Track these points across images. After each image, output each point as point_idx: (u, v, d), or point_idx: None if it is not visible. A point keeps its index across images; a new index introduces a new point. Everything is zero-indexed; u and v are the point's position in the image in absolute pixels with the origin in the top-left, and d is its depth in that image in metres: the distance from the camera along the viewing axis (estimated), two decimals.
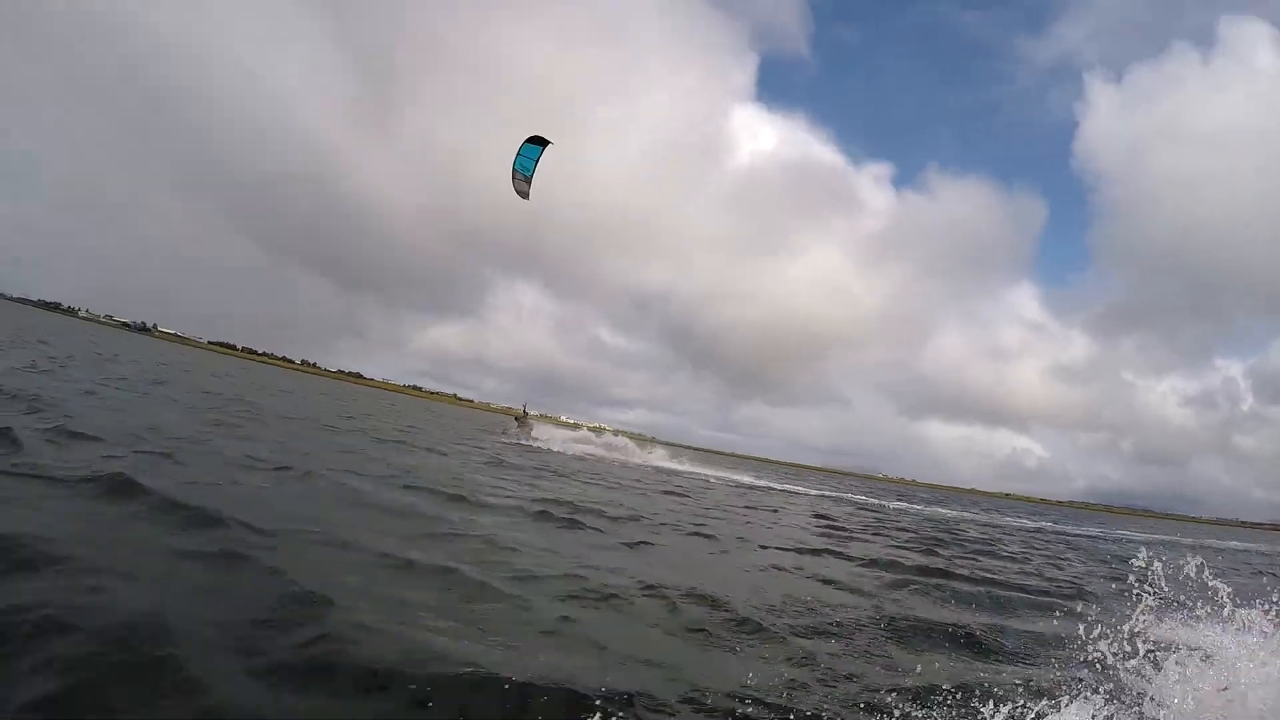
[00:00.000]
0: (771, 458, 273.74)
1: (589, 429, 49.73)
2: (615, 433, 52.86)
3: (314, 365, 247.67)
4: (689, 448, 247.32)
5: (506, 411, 72.81)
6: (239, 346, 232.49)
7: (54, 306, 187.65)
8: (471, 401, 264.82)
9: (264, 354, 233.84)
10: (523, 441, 33.95)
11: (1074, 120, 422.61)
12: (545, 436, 37.78)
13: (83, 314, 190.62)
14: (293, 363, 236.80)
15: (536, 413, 44.11)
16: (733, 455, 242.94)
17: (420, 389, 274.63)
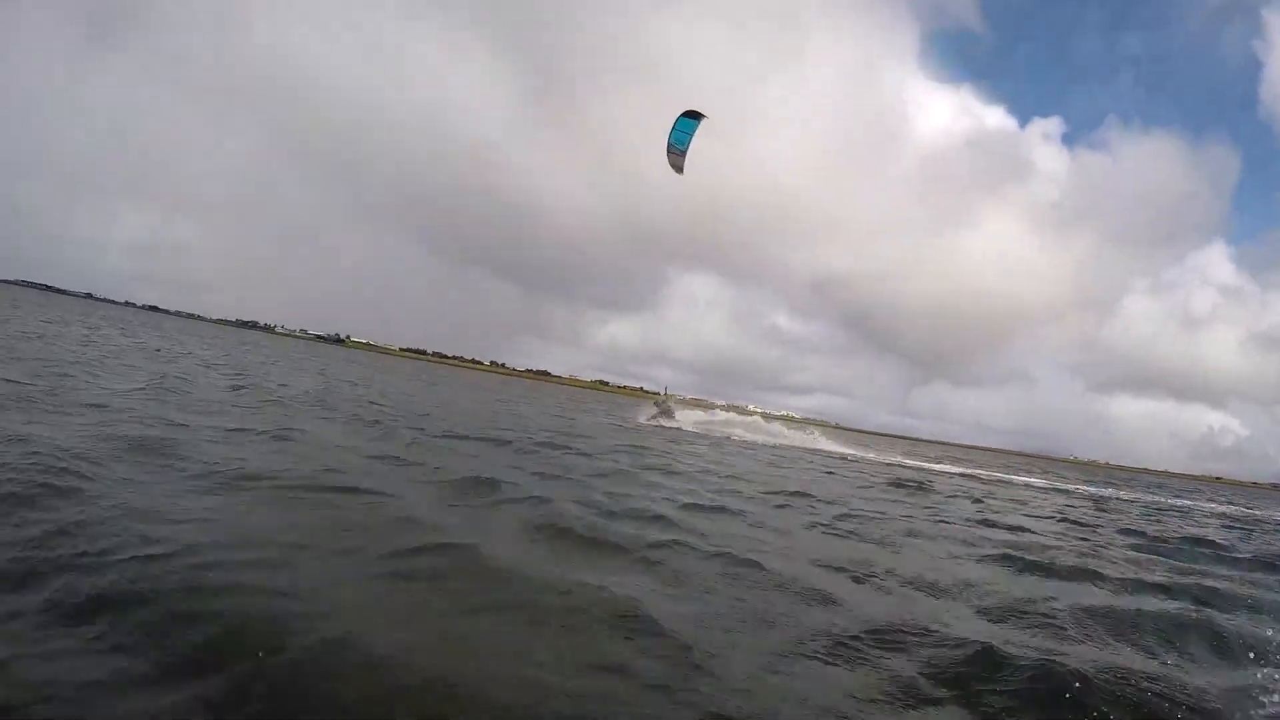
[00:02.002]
0: (953, 440, 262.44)
1: (730, 411, 50.79)
2: (766, 416, 49.96)
3: (502, 365, 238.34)
4: (860, 431, 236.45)
5: (648, 395, 71.72)
6: (429, 351, 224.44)
7: (251, 325, 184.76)
8: (656, 394, 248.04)
9: (454, 357, 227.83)
10: (663, 424, 35.68)
11: (1257, 61, 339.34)
12: (683, 419, 38.68)
13: (279, 329, 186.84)
14: (481, 364, 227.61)
15: (679, 395, 49.47)
16: (911, 439, 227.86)
17: (605, 384, 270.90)
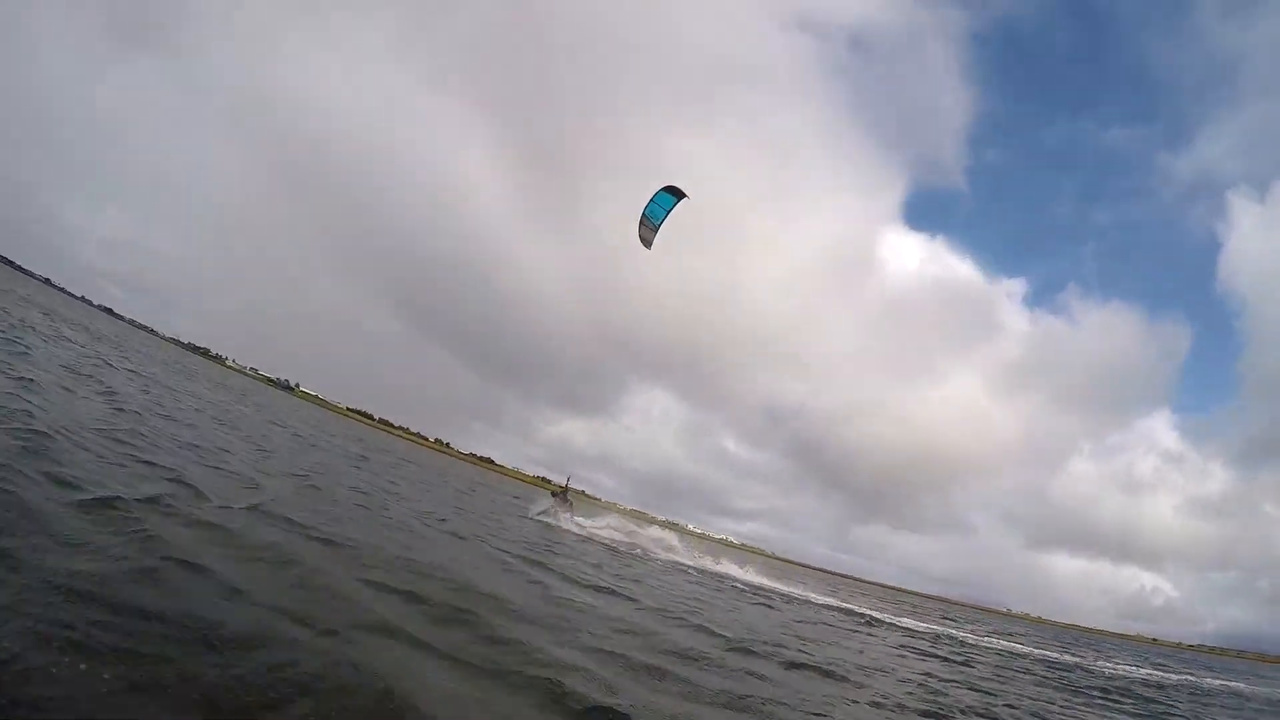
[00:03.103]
0: (886, 582, 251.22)
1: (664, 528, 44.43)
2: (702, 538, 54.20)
3: (447, 445, 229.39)
4: (793, 563, 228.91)
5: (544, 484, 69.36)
6: (375, 416, 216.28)
7: (202, 351, 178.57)
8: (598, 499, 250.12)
9: (400, 426, 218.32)
10: (563, 524, 31.11)
11: (1217, 241, 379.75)
12: (588, 523, 34.04)
13: (230, 362, 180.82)
14: (426, 439, 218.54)
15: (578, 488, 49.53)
16: (843, 576, 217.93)
17: (549, 480, 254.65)
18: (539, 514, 33.05)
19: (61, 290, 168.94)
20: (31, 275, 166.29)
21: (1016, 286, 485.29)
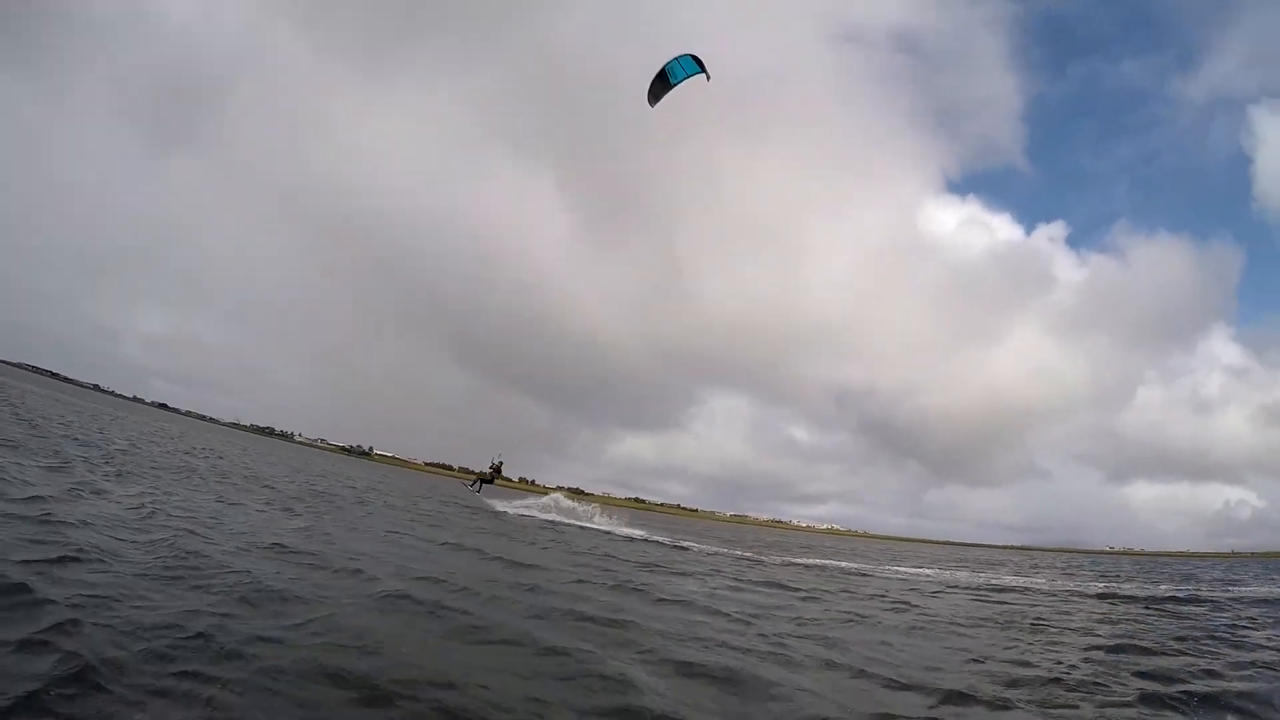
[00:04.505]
0: (965, 540, 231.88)
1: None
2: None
3: (533, 482, 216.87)
4: (870, 535, 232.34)
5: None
6: (454, 466, 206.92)
7: (267, 431, 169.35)
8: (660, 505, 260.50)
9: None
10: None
11: (1246, 157, 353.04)
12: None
13: (298, 438, 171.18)
14: (511, 481, 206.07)
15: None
16: (924, 540, 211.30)
17: (643, 501, 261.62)
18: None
19: (113, 394, 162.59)
20: (79, 384, 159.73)
21: (1059, 231, 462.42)
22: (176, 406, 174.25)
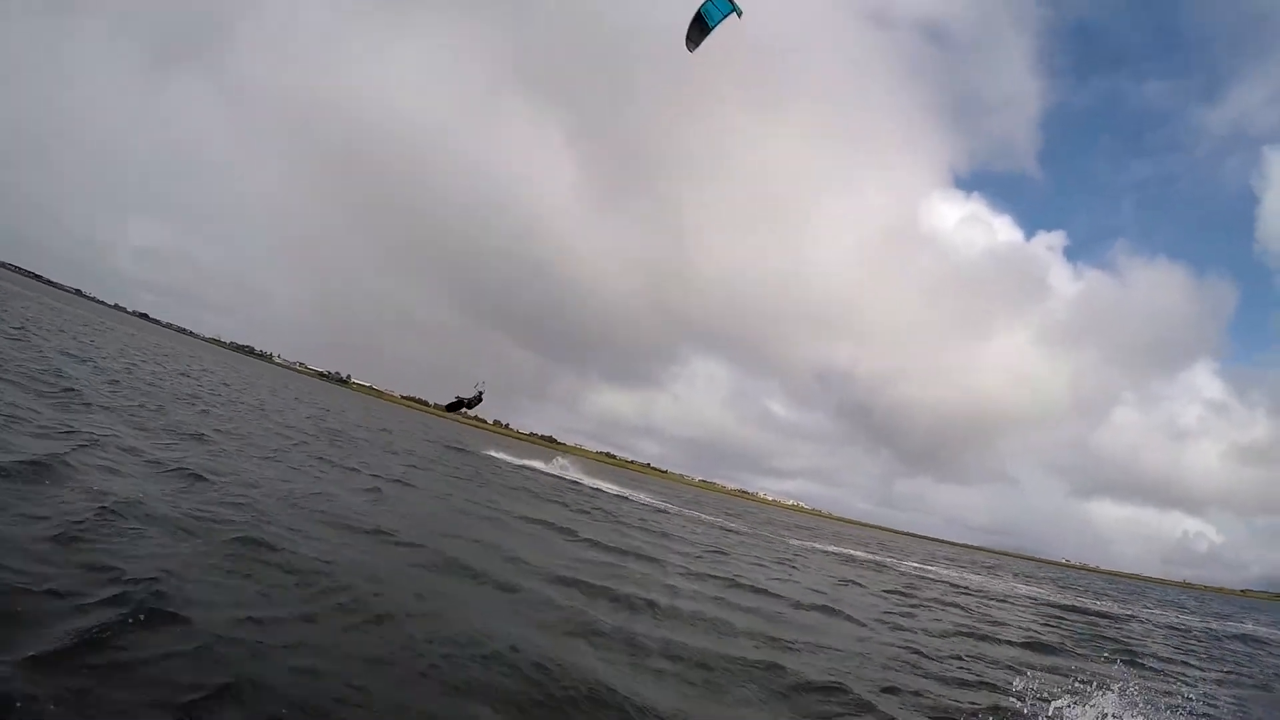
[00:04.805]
0: (928, 535, 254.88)
1: None
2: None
3: (506, 425, 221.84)
4: (837, 518, 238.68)
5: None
6: (430, 402, 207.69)
7: (247, 350, 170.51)
8: (630, 463, 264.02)
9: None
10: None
11: (1254, 195, 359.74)
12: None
13: (277, 359, 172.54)
14: (485, 423, 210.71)
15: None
16: (887, 529, 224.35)
17: (613, 456, 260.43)
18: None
19: (94, 300, 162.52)
20: (61, 288, 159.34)
21: (1060, 241, 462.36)
22: (157, 318, 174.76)
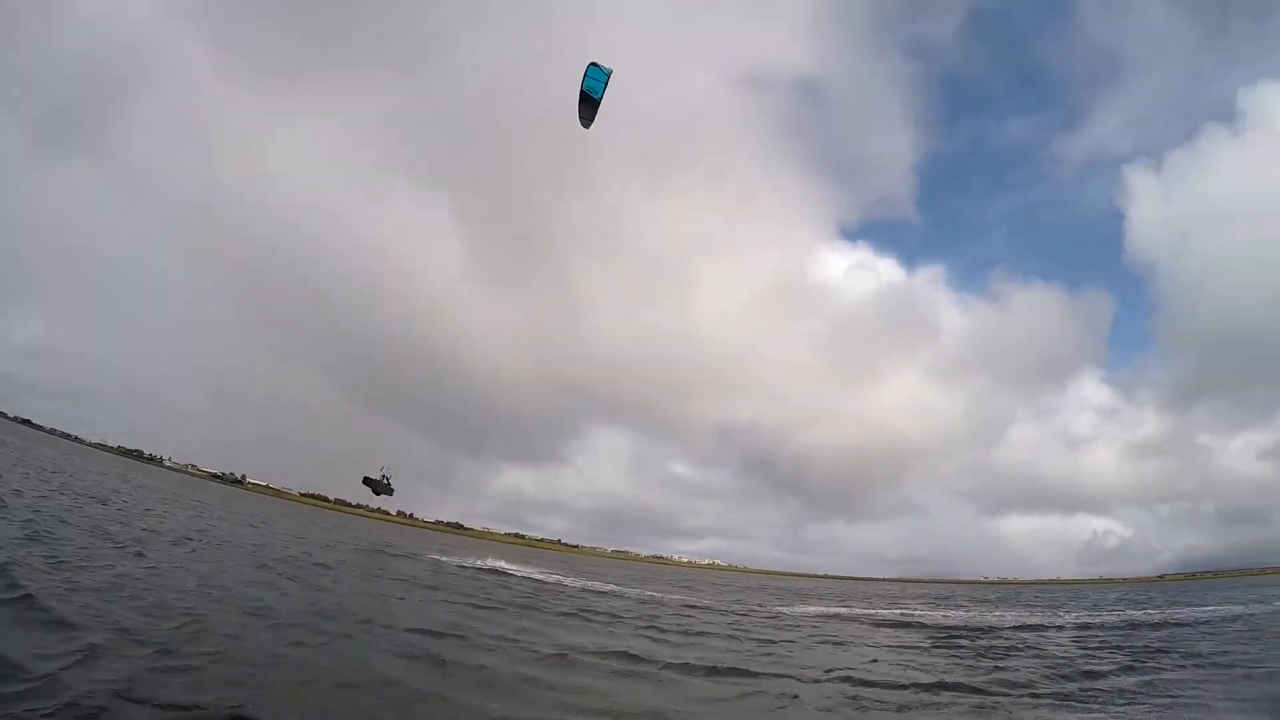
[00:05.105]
0: (844, 574, 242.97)
1: None
2: None
3: (410, 515, 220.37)
4: (750, 570, 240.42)
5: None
6: (331, 498, 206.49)
7: (135, 454, 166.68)
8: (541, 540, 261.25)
9: (357, 505, 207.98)
10: None
11: (1119, 213, 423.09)
12: None
13: (168, 462, 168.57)
14: (388, 514, 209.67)
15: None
16: (801, 575, 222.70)
17: (521, 536, 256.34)
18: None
19: None
20: None
21: (939, 276, 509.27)
22: (40, 423, 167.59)
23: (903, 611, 35.93)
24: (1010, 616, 33.48)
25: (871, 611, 35.55)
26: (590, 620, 20.11)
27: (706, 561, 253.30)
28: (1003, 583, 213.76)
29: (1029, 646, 20.23)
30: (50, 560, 13.41)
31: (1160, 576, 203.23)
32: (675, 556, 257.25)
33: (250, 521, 42.05)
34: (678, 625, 21.16)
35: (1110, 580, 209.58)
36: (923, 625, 27.44)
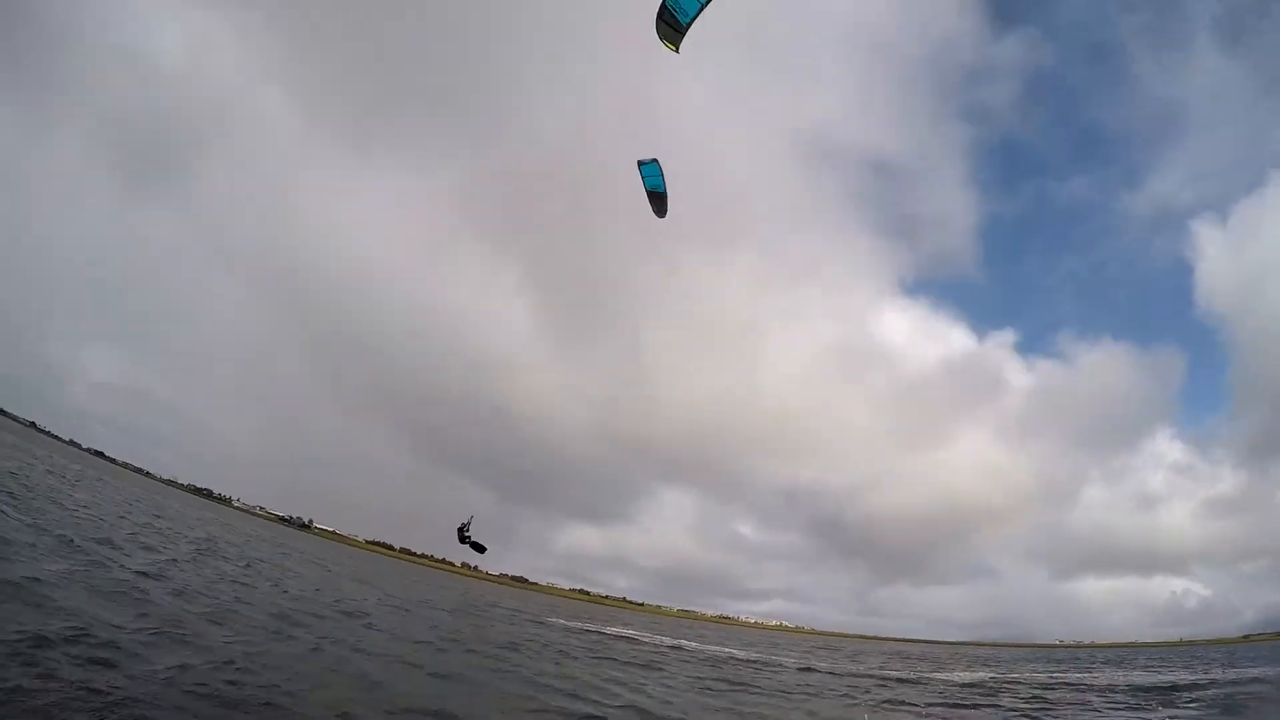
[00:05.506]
0: (914, 637, 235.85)
1: None
2: None
3: (475, 568, 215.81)
4: (817, 632, 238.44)
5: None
6: (396, 546, 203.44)
7: (205, 493, 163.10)
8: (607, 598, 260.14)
9: (420, 554, 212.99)
10: None
11: (1187, 267, 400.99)
12: None
13: (236, 503, 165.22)
14: (454, 565, 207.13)
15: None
16: (864, 638, 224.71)
17: (586, 593, 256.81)
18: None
19: (49, 434, 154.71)
20: (16, 419, 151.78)
21: (1009, 338, 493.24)
22: (113, 456, 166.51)
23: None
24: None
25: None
26: None
27: (774, 623, 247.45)
28: (1079, 646, 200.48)
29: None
30: None
31: (1244, 636, 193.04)
32: (742, 617, 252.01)
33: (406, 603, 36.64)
34: None
35: (1194, 641, 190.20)
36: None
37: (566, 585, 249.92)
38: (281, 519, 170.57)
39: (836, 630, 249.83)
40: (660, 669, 23.02)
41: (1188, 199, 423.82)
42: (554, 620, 41.73)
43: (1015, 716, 14.92)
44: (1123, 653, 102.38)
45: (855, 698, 20.19)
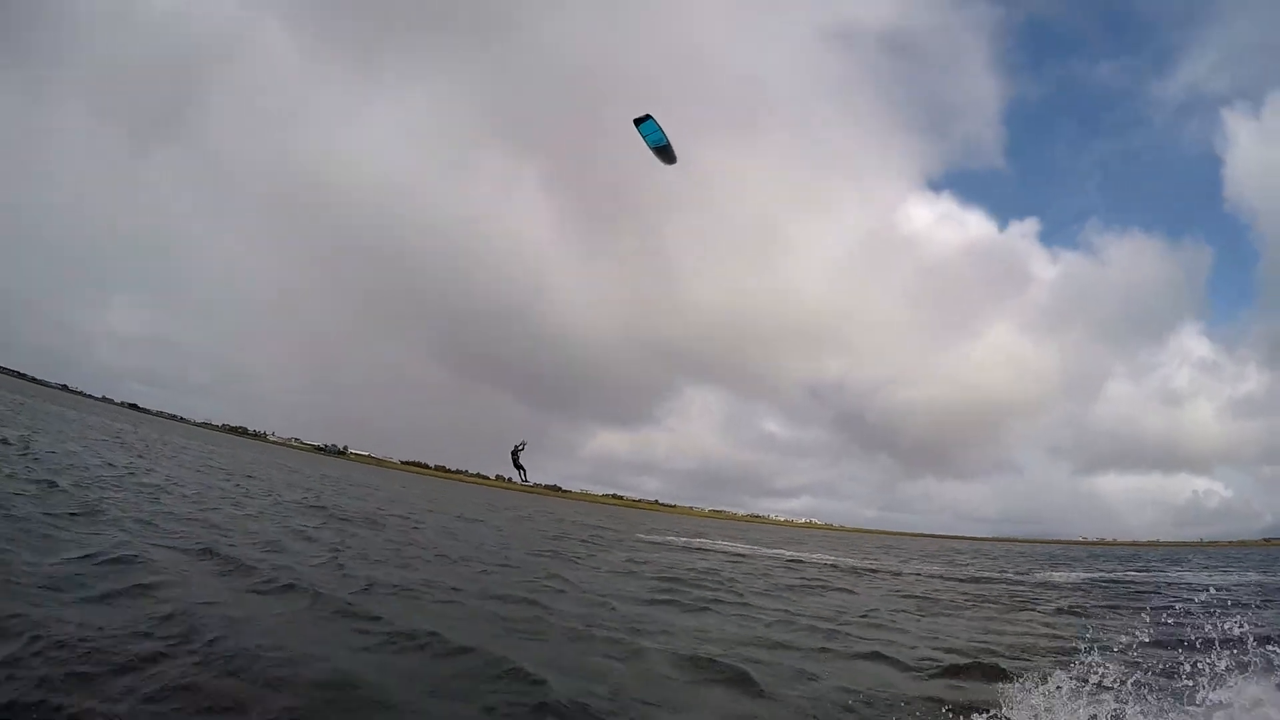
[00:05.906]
0: (938, 533, 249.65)
1: None
2: None
3: (510, 480, 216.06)
4: (846, 529, 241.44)
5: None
6: (431, 465, 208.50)
7: (240, 430, 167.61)
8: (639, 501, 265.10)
9: (456, 471, 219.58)
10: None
11: (1217, 158, 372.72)
12: None
13: (271, 437, 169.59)
14: (487, 478, 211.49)
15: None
16: (891, 533, 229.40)
17: (620, 497, 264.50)
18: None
19: (80, 393, 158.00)
20: (46, 385, 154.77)
21: (1033, 228, 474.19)
22: (147, 407, 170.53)
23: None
24: None
25: None
26: None
27: (803, 521, 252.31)
28: (1101, 544, 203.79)
29: None
30: None
31: (1265, 540, 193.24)
32: (772, 515, 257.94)
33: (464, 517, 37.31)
34: None
35: (1215, 543, 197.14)
36: None
37: (598, 491, 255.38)
38: (317, 448, 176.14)
39: (864, 527, 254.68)
40: (853, 591, 21.43)
41: (1220, 86, 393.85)
42: (667, 539, 40.86)
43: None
44: (1164, 551, 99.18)
45: (1034, 608, 19.22)
